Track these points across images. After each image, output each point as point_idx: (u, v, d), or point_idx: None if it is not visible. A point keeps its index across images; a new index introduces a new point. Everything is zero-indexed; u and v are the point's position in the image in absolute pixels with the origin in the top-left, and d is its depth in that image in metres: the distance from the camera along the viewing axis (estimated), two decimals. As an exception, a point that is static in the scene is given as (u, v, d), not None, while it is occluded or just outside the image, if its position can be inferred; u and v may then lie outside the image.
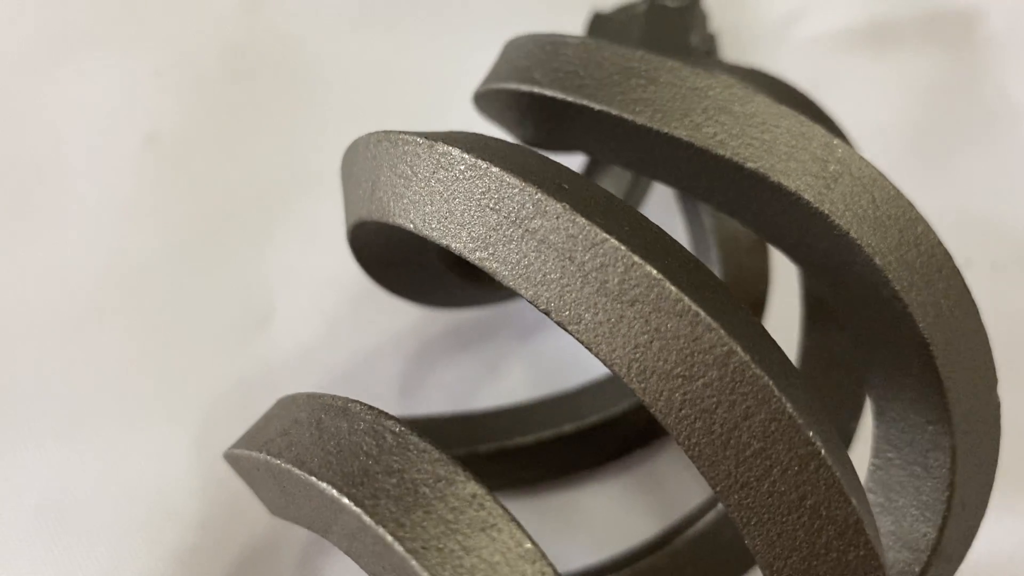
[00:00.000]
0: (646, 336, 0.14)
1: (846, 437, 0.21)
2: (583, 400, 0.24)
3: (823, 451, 0.13)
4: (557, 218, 0.14)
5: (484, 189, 0.15)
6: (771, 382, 0.13)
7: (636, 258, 0.14)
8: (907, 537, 0.17)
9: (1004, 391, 0.24)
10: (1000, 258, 0.29)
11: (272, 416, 0.17)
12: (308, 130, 0.29)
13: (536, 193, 0.14)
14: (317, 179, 0.29)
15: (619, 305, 0.14)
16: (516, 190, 0.14)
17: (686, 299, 0.13)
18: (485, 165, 0.15)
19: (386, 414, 0.15)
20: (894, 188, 0.15)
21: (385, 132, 0.17)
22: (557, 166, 0.16)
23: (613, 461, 0.24)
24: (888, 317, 0.16)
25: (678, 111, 0.16)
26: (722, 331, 0.13)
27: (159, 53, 0.30)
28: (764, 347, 0.14)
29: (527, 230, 0.14)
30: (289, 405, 0.17)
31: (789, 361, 0.15)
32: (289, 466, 0.15)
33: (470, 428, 0.23)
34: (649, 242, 0.14)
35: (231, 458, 0.18)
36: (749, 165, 0.15)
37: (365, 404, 0.15)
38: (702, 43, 0.26)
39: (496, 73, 0.19)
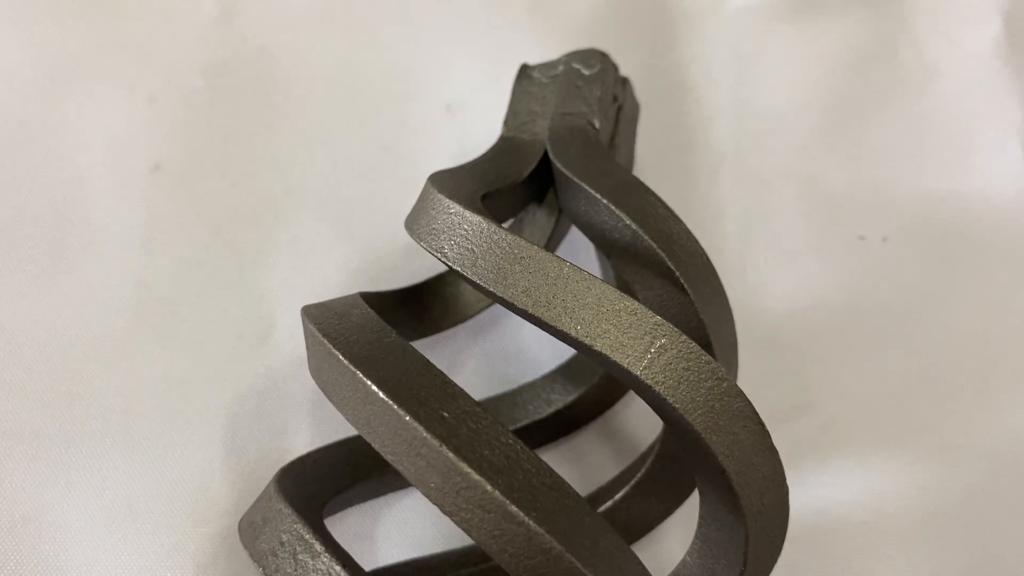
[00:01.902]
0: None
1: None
2: (524, 397, 0.30)
3: None
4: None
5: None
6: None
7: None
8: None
9: (889, 356, 0.29)
10: (890, 231, 0.33)
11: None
12: (291, 143, 0.32)
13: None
14: (303, 191, 0.32)
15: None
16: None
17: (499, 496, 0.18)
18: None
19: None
20: (706, 358, 0.20)
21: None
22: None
23: (546, 444, 0.30)
24: (696, 448, 0.21)
25: (544, 300, 0.21)
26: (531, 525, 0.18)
27: (150, 79, 0.33)
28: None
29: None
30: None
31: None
32: None
33: None
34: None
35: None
36: (595, 347, 0.20)
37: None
38: (613, 96, 0.29)
39: (415, 217, 0.24)
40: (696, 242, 0.25)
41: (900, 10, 0.36)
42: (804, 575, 0.28)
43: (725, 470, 0.21)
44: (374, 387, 0.20)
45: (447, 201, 0.23)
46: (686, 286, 0.24)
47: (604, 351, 0.20)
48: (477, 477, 0.18)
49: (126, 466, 0.28)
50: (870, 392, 0.30)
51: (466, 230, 0.23)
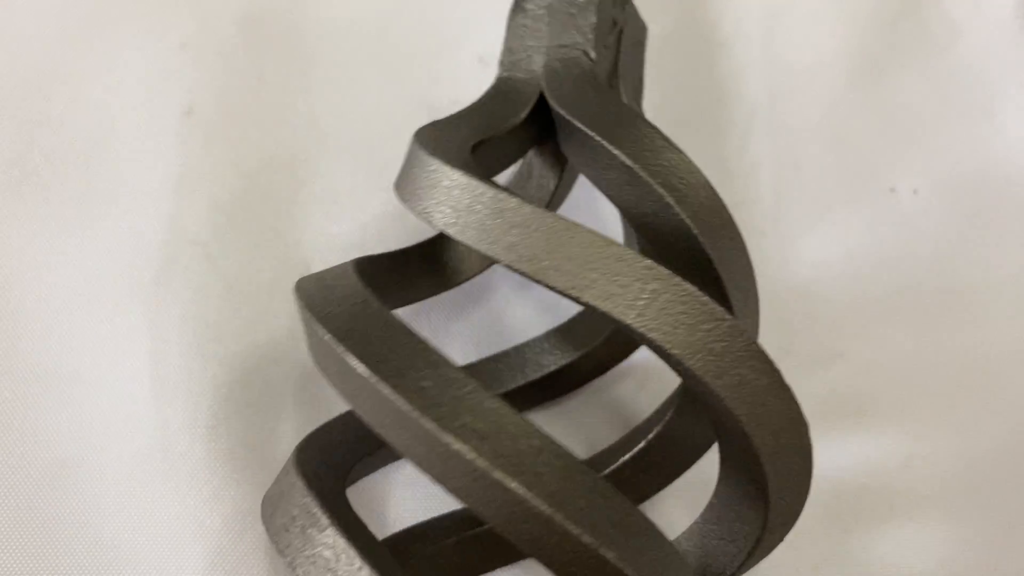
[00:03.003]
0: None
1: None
2: (519, 358, 0.29)
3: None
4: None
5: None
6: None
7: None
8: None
9: (920, 307, 0.29)
10: (921, 184, 0.33)
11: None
12: (324, 94, 0.32)
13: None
14: (336, 142, 0.32)
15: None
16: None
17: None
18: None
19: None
20: (703, 299, 0.20)
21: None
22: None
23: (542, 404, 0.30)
24: (704, 394, 0.21)
25: (528, 254, 0.20)
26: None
27: (182, 25, 0.32)
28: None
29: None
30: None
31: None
32: None
33: None
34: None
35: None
36: (583, 298, 0.20)
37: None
38: (612, 21, 0.28)
39: (402, 178, 0.24)
40: (699, 173, 0.24)
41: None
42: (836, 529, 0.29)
43: (733, 411, 0.20)
44: (354, 361, 0.19)
45: (428, 158, 0.23)
46: (686, 219, 0.22)
47: (593, 302, 0.20)
48: (459, 446, 0.18)
49: (160, 410, 0.28)
50: (901, 341, 0.31)
51: (446, 187, 0.22)
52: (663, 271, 0.20)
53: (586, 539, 0.18)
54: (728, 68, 0.35)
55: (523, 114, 0.26)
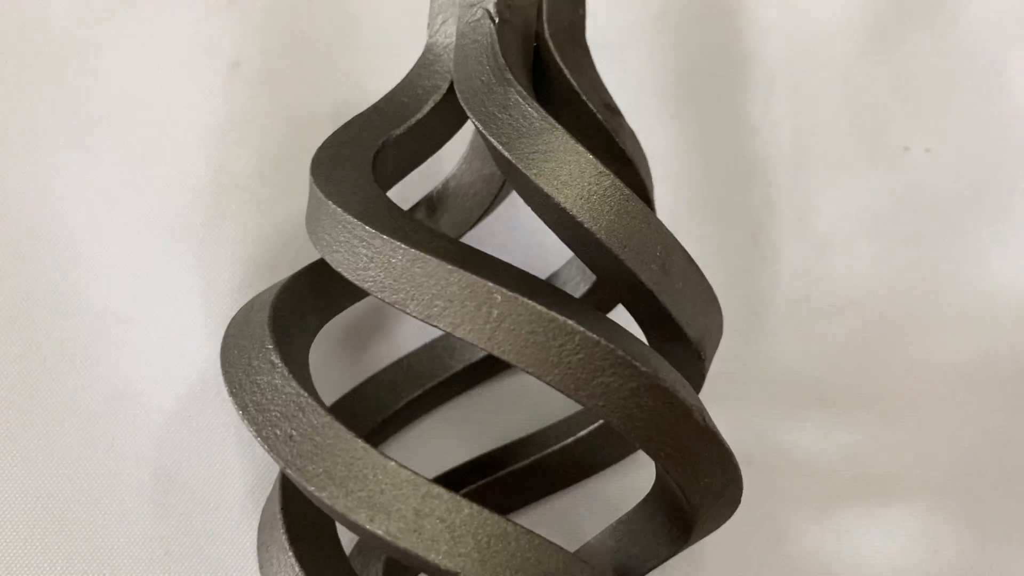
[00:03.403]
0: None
1: None
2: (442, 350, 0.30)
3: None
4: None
5: None
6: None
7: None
8: None
9: (932, 258, 0.31)
10: (933, 144, 0.35)
11: None
12: (367, 53, 0.34)
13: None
14: (377, 98, 0.33)
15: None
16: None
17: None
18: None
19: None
20: (549, 315, 0.19)
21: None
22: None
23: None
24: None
25: (392, 288, 0.20)
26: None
27: None
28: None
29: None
30: None
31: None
32: None
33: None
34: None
35: None
36: (439, 326, 0.20)
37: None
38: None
39: (308, 214, 0.24)
40: (590, 165, 0.21)
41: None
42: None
43: (607, 419, 0.20)
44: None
45: (323, 200, 0.22)
46: (584, 223, 0.21)
47: (448, 329, 0.20)
48: (315, 491, 0.19)
49: (212, 347, 0.29)
50: (913, 286, 0.33)
51: (328, 229, 0.22)
52: (508, 294, 0.19)
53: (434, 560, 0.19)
54: (750, 34, 0.36)
55: (424, 111, 0.25)
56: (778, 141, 0.35)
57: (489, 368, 0.30)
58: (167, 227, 0.31)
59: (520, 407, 0.31)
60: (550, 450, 0.28)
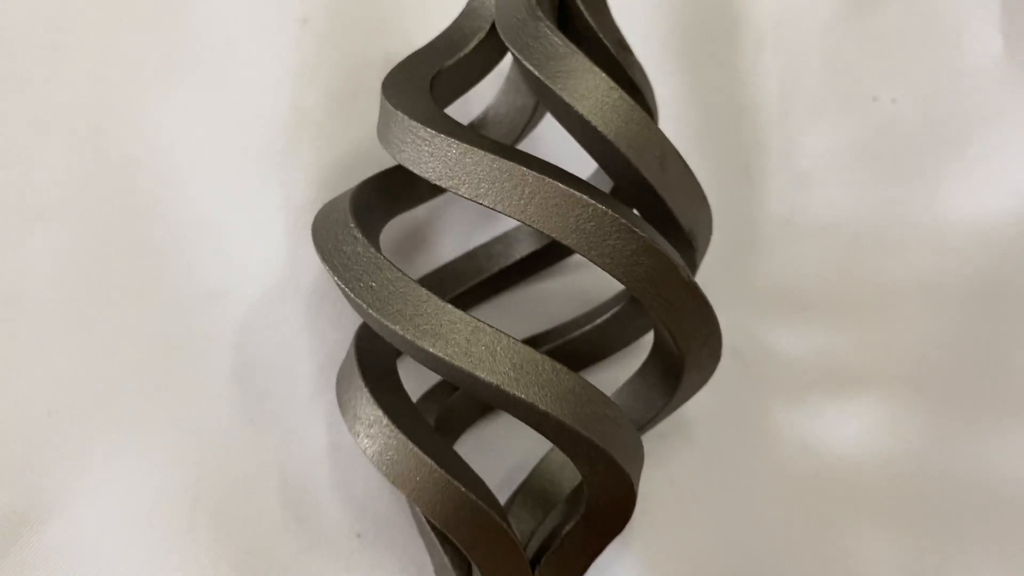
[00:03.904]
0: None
1: None
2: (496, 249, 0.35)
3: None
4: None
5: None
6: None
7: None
8: None
9: (898, 196, 0.35)
10: (899, 94, 0.40)
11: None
12: (421, 10, 0.38)
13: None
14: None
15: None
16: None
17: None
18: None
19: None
20: (568, 190, 0.24)
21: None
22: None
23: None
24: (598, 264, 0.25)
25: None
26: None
27: None
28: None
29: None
30: None
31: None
32: None
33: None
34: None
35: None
36: (484, 203, 0.24)
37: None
38: None
39: (379, 124, 0.28)
40: (618, 92, 0.25)
41: None
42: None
43: (611, 271, 0.24)
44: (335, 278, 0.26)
45: (392, 111, 0.27)
46: (611, 138, 0.25)
47: (491, 205, 0.24)
48: (391, 325, 0.24)
49: (290, 251, 0.35)
50: (880, 213, 0.38)
51: (399, 133, 0.26)
52: (537, 175, 0.24)
53: (541, 407, 0.23)
54: None
55: (471, 46, 0.29)
56: (766, 90, 0.40)
57: (520, 272, 0.35)
58: (251, 153, 0.36)
59: (543, 307, 0.36)
60: (566, 338, 0.33)
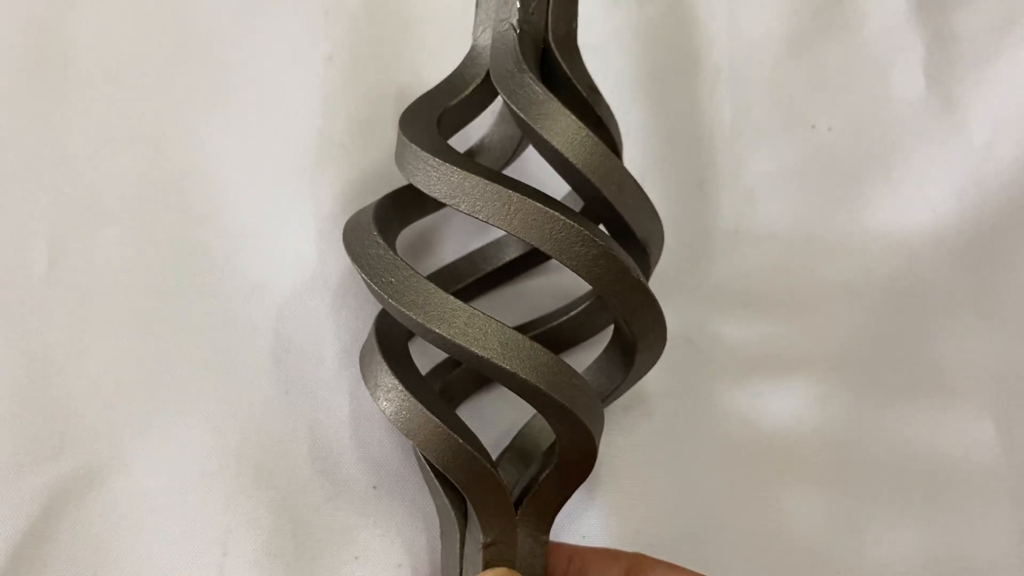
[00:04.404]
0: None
1: None
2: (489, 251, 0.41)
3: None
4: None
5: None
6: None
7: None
8: None
9: (832, 213, 0.42)
10: (834, 123, 0.46)
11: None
12: (422, 55, 0.44)
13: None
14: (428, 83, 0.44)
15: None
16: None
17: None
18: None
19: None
20: (543, 208, 0.30)
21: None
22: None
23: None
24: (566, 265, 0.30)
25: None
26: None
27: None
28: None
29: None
30: None
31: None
32: None
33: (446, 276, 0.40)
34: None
35: None
36: (477, 214, 0.30)
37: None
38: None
39: (396, 151, 0.34)
40: (584, 131, 0.31)
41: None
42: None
43: (578, 271, 0.30)
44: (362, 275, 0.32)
45: (407, 142, 0.32)
46: (579, 168, 0.31)
47: (472, 213, 0.30)
48: (405, 311, 0.31)
49: (320, 252, 0.41)
50: (814, 225, 0.44)
51: (412, 162, 0.32)
52: (520, 197, 0.29)
53: (532, 382, 0.29)
54: (701, 40, 0.47)
55: (470, 89, 0.34)
56: (720, 118, 0.45)
57: (509, 272, 0.41)
58: (286, 170, 0.42)
59: (530, 301, 0.42)
60: (547, 326, 0.39)
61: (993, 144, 0.46)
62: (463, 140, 0.41)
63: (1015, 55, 0.47)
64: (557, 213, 0.30)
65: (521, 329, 0.40)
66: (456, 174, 0.31)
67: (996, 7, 0.48)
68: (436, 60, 0.44)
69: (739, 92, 0.46)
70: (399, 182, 0.37)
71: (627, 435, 0.40)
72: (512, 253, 0.41)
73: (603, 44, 0.46)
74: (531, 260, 0.42)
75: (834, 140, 0.46)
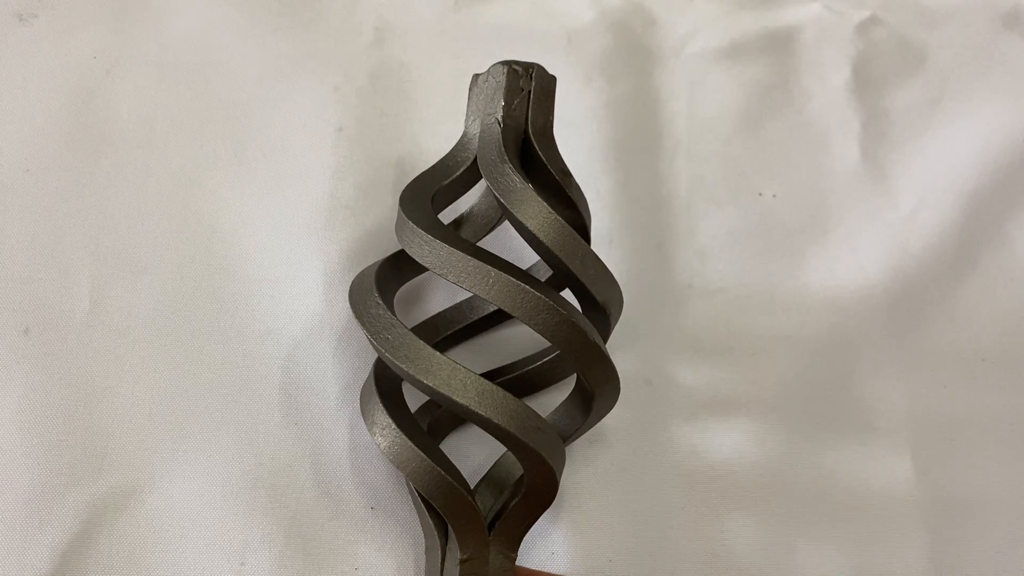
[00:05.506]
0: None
1: None
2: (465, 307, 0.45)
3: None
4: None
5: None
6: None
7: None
8: None
9: (776, 269, 0.47)
10: (778, 191, 0.50)
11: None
12: (424, 125, 0.49)
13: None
14: (432, 154, 0.47)
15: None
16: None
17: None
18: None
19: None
20: (516, 282, 0.35)
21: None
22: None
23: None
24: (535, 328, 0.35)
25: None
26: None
27: (333, 76, 0.50)
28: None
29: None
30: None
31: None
32: None
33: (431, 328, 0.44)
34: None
35: None
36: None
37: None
38: (520, 88, 0.38)
39: (397, 224, 0.38)
40: (553, 215, 0.35)
41: (790, 59, 0.54)
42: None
43: (543, 333, 0.35)
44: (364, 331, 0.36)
45: (404, 219, 0.36)
46: (547, 245, 0.35)
47: (458, 283, 0.34)
48: (400, 364, 0.35)
49: (328, 302, 0.46)
50: (759, 281, 0.49)
51: (409, 235, 0.36)
52: (498, 272, 0.33)
53: (505, 427, 0.33)
54: (663, 117, 0.52)
55: (460, 171, 0.39)
56: (677, 185, 0.50)
57: (491, 321, 0.46)
58: (298, 228, 0.46)
59: (508, 347, 0.46)
60: (521, 371, 0.43)
61: (917, 212, 0.51)
62: (455, 208, 0.46)
63: (939, 131, 0.52)
64: (527, 286, 0.35)
65: (498, 372, 0.45)
66: (444, 250, 0.36)
67: (924, 89, 0.53)
68: (433, 132, 0.49)
69: (695, 163, 0.51)
70: (398, 242, 0.42)
71: (590, 465, 0.44)
72: (493, 306, 0.46)
73: (577, 120, 0.51)
74: (508, 313, 0.47)
75: (777, 206, 0.51)
